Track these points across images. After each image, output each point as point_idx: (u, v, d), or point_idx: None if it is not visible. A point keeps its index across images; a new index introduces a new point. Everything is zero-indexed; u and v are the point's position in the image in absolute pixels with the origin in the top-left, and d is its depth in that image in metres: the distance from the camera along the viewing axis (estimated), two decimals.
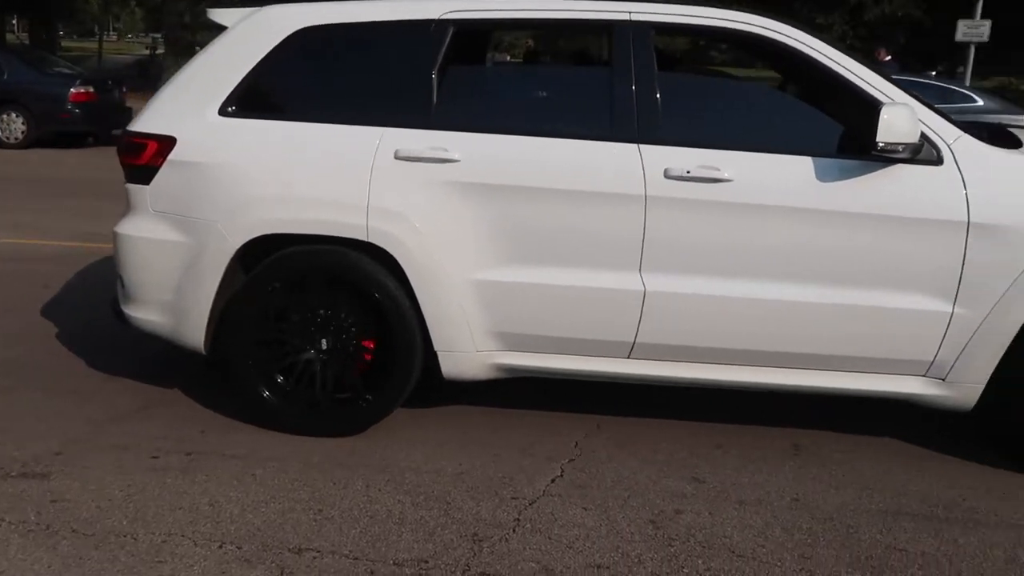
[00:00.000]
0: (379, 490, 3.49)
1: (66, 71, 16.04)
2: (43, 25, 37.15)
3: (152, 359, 4.78)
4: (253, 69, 3.95)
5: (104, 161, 13.91)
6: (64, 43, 45.88)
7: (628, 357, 3.85)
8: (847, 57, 3.76)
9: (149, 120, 4.03)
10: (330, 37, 3.99)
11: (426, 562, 3.01)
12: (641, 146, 3.70)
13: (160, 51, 34.20)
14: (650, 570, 3.01)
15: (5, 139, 14.38)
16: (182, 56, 26.59)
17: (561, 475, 3.66)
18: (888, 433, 4.14)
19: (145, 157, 3.96)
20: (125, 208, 4.16)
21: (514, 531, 3.22)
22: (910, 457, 3.91)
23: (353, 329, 3.90)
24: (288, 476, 3.57)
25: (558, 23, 3.95)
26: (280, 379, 3.94)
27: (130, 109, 16.00)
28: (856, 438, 4.09)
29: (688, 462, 3.80)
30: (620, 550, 3.12)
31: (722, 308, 3.72)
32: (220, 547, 3.05)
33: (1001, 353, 3.64)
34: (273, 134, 3.87)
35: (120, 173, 4.13)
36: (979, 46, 20.34)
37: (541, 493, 3.50)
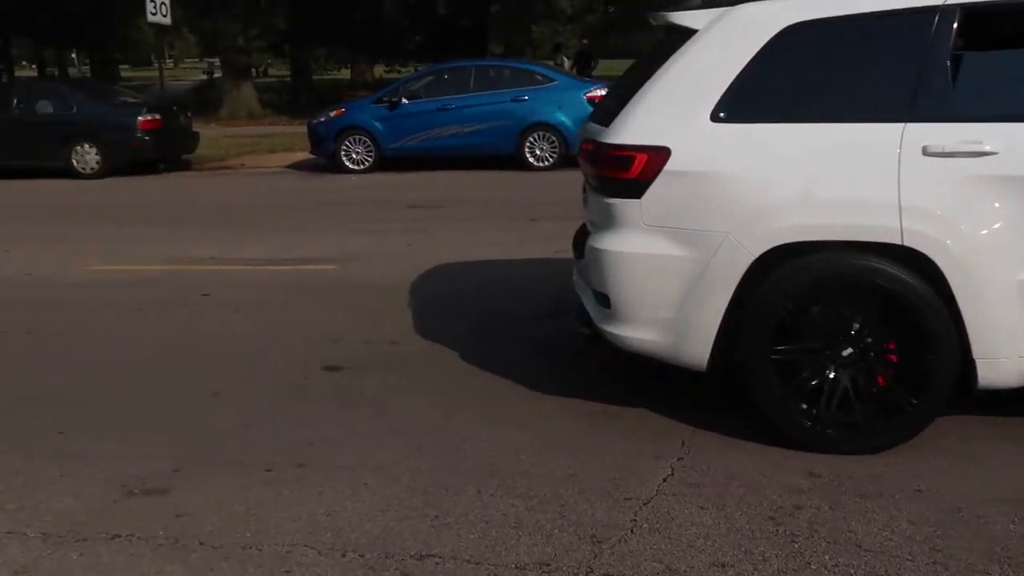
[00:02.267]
0: (491, 495, 3.48)
1: (131, 100, 16.45)
2: (101, 56, 38.18)
3: (241, 377, 4.86)
4: (742, 72, 3.77)
5: (176, 185, 14.26)
6: (123, 73, 47.29)
7: None
8: None
9: (632, 132, 3.87)
10: (823, 32, 3.78)
11: (548, 564, 3.00)
12: None
13: (218, 75, 34.87)
14: (776, 567, 2.95)
15: (81, 170, 14.79)
16: (241, 79, 27.18)
17: (672, 474, 3.61)
18: (1012, 415, 4.00)
19: (635, 170, 3.83)
20: (601, 223, 4.06)
21: (632, 532, 3.19)
22: None
23: (874, 340, 3.70)
24: (400, 484, 3.59)
25: None
26: (807, 394, 3.74)
27: (196, 134, 16.35)
28: (972, 422, 3.95)
29: (800, 456, 3.72)
30: (743, 548, 3.07)
31: None
32: (343, 556, 3.08)
33: None
34: (778, 138, 3.72)
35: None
36: None
37: (654, 493, 3.46)
